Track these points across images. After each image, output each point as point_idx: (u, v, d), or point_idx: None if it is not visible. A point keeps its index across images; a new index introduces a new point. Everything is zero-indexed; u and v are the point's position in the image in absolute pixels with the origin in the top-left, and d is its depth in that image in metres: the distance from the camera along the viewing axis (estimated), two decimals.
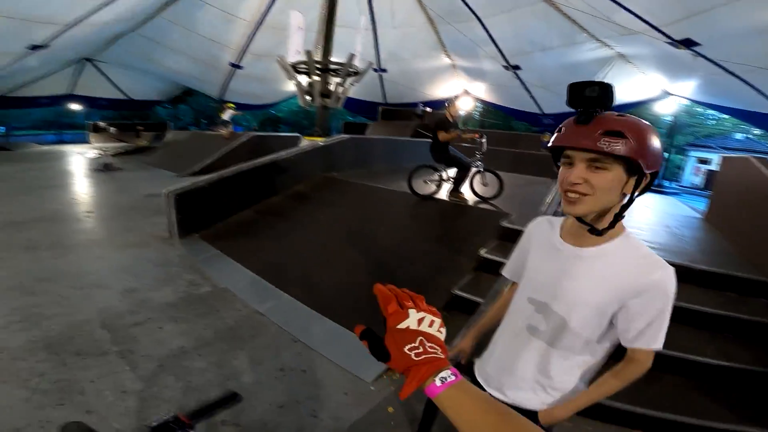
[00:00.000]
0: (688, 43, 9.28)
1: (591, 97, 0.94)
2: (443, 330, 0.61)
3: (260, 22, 15.79)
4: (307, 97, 8.96)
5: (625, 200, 1.02)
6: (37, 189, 8.48)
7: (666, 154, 17.73)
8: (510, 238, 4.04)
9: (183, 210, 5.30)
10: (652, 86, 14.00)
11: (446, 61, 17.21)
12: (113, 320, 3.19)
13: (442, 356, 0.58)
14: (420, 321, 0.59)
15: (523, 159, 15.40)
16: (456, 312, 3.25)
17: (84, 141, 19.41)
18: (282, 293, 3.69)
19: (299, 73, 8.70)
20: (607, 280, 1.02)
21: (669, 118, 18.89)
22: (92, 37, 14.04)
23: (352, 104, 21.78)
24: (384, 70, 18.26)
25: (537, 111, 18.14)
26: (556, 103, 16.97)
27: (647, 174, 0.97)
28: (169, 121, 22.71)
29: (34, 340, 2.86)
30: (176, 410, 0.84)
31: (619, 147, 0.91)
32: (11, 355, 2.66)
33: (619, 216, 1.02)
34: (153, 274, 4.20)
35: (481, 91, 18.65)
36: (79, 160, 13.56)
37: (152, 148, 16.30)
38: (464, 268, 3.69)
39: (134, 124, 20.13)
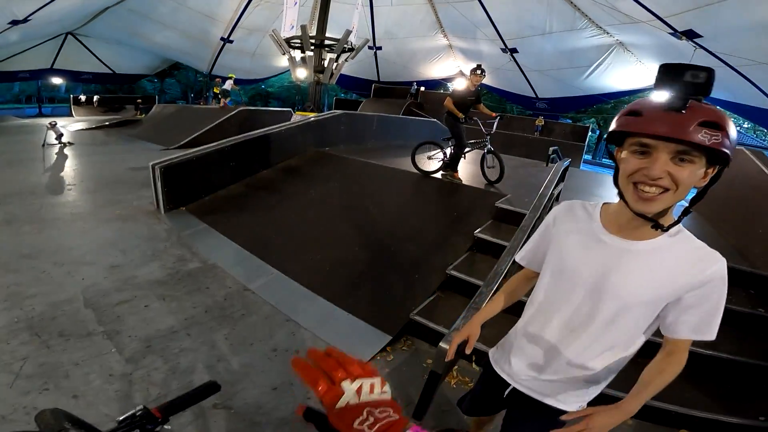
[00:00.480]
0: (690, 35, 9.20)
1: (693, 83, 0.82)
2: (386, 388, 0.54)
3: None
4: (300, 73, 8.68)
5: (695, 193, 0.95)
6: (15, 163, 8.12)
7: None
8: (505, 219, 3.99)
9: (170, 183, 5.13)
10: (648, 76, 13.98)
11: (443, 41, 16.87)
12: (98, 299, 3.07)
13: (397, 417, 0.51)
14: (359, 391, 0.51)
15: (515, 141, 15.42)
16: (450, 292, 3.21)
17: (67, 114, 18.77)
18: (273, 270, 3.60)
19: (293, 48, 8.40)
20: (664, 275, 0.95)
21: None
22: (76, 11, 13.38)
23: (346, 81, 21.41)
24: (379, 48, 17.87)
25: (531, 95, 18.03)
26: (550, 87, 16.88)
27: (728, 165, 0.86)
28: (154, 95, 22.05)
29: (16, 321, 2.73)
30: (149, 402, 0.74)
31: (719, 140, 0.80)
32: None
33: (688, 210, 0.96)
34: (139, 249, 4.05)
35: None
36: (62, 133, 13.05)
37: (137, 121, 15.83)
38: (459, 248, 3.64)
39: (120, 97, 19.48)
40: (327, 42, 8.22)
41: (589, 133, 18.00)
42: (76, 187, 6.36)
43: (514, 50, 15.09)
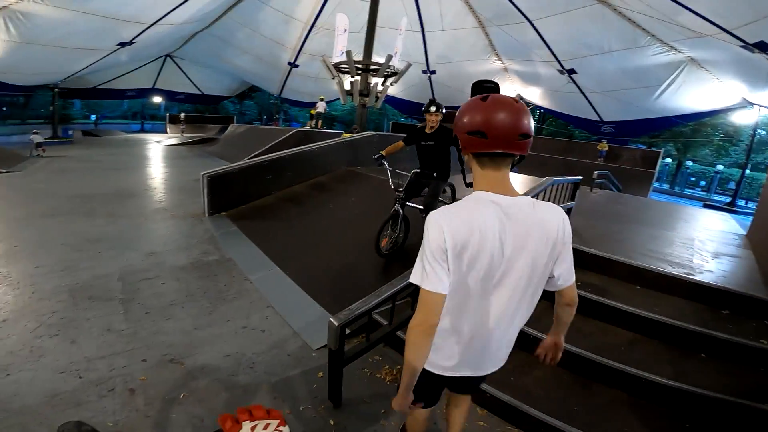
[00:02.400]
0: (762, 47, 8.33)
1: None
2: (283, 428, 0.71)
3: (313, 24, 16.71)
4: (346, 97, 9.41)
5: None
6: (110, 170, 9.84)
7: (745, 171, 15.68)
8: None
9: (214, 191, 5.92)
10: (729, 94, 12.62)
11: (498, 64, 16.83)
12: (128, 275, 3.77)
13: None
14: (253, 428, 0.69)
15: (574, 167, 14.70)
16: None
17: (162, 131, 21.78)
18: (274, 266, 4.07)
19: (342, 72, 9.16)
20: None
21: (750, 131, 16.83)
22: (171, 35, 15.80)
23: (402, 105, 22.10)
24: (433, 72, 18.33)
25: (595, 118, 17.12)
26: (616, 109, 15.90)
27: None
28: (234, 115, 24.69)
29: (63, 285, 3.50)
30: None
31: None
32: (39, 295, 3.31)
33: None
34: (177, 242, 4.80)
35: (536, 96, 17.99)
36: (154, 147, 15.34)
37: (215, 139, 17.90)
38: None
39: (203, 117, 22.19)
40: (372, 66, 8.83)
41: (661, 159, 16.54)
42: (148, 191, 7.57)
43: (572, 71, 14.59)
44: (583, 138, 21.02)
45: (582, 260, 3.52)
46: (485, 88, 1.26)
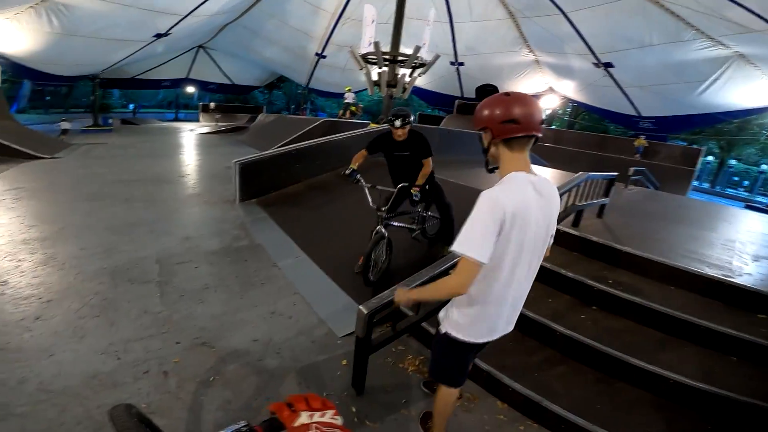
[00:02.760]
0: None
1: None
2: (338, 417, 0.72)
3: (341, 14, 16.69)
4: (374, 87, 9.39)
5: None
6: (147, 156, 10.27)
7: None
8: None
9: (245, 178, 6.09)
10: None
11: (529, 56, 16.34)
12: (165, 258, 3.96)
13: (342, 431, 0.70)
14: (311, 416, 0.71)
15: (608, 163, 14.18)
16: None
17: (195, 119, 22.45)
18: (302, 253, 4.16)
19: (370, 63, 9.13)
20: None
21: None
22: (203, 26, 16.21)
23: (429, 96, 21.86)
24: (461, 64, 17.99)
25: (632, 113, 16.41)
26: (656, 104, 15.19)
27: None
28: (263, 105, 25.13)
29: (105, 267, 3.71)
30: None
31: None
32: (83, 276, 3.51)
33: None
34: (209, 228, 4.99)
35: (570, 89, 17.41)
36: (187, 135, 15.85)
37: (245, 128, 18.30)
38: None
39: (233, 106, 22.71)
40: (399, 57, 8.76)
41: (702, 157, 15.70)
42: (183, 178, 7.86)
43: (608, 65, 14.00)
44: (618, 133, 20.23)
45: (615, 258, 3.44)
46: (488, 91, 1.45)
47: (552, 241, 1.57)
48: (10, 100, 14.32)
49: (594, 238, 3.62)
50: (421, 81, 19.63)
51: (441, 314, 1.70)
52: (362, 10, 9.79)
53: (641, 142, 15.64)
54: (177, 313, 3.06)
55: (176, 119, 23.49)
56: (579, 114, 23.03)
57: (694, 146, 17.03)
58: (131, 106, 23.08)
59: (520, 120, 1.31)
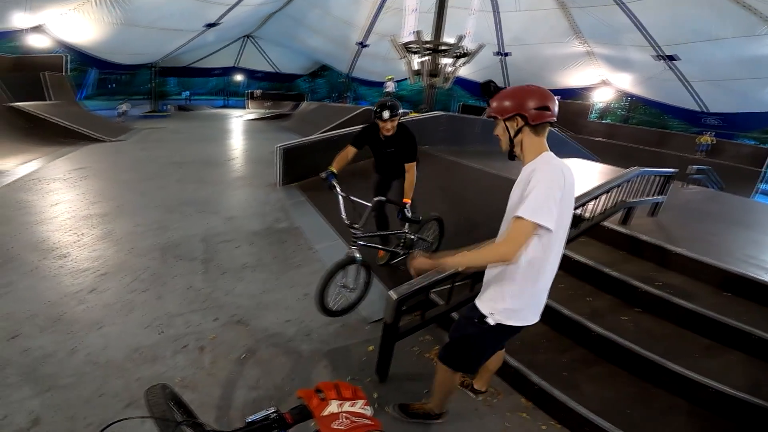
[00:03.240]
0: None
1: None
2: (368, 408, 0.74)
3: (382, 3, 16.58)
4: (415, 76, 9.32)
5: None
6: (198, 141, 10.85)
7: None
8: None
9: (287, 163, 6.30)
10: None
11: (581, 47, 15.49)
12: (210, 237, 4.20)
13: (371, 422, 0.69)
14: (340, 405, 0.72)
15: (666, 160, 13.20)
16: None
17: (243, 106, 23.32)
18: (338, 239, 4.26)
19: (411, 52, 9.07)
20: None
21: None
22: (251, 16, 16.79)
23: (473, 87, 21.32)
24: (507, 54, 17.37)
25: (696, 109, 15.18)
26: (725, 100, 13.97)
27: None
28: (307, 93, 25.63)
29: (156, 243, 3.99)
30: (278, 406, 0.83)
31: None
32: (136, 252, 3.79)
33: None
34: (252, 209, 5.23)
35: (626, 82, 16.39)
36: (235, 121, 16.54)
37: (289, 115, 18.79)
38: None
39: (277, 93, 23.39)
40: (442, 47, 8.62)
41: None
42: (230, 161, 8.26)
43: (672, 57, 12.98)
44: (680, 129, 18.78)
45: (665, 259, 3.25)
46: (494, 87, 1.60)
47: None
48: (78, 88, 15.51)
49: (644, 237, 3.42)
50: (464, 71, 19.13)
51: (485, 308, 1.62)
52: None
53: (706, 139, 14.39)
54: (218, 290, 3.24)
55: (225, 106, 24.48)
56: (636, 108, 21.58)
57: (766, 146, 15.46)
58: (185, 93, 24.27)
59: (550, 107, 1.46)
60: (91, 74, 19.18)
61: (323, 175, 3.02)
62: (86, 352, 2.44)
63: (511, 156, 1.58)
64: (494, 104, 1.55)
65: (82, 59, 15.65)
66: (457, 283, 2.44)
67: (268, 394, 2.24)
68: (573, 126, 15.99)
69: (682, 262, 3.16)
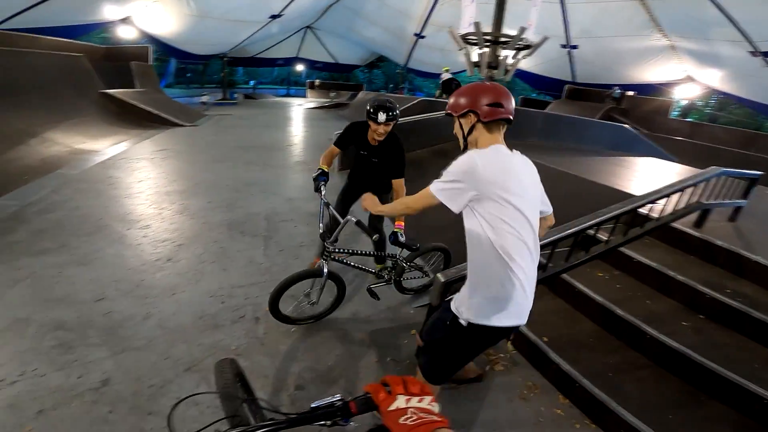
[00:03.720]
0: None
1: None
2: (435, 404, 0.70)
3: None
4: (474, 68, 9.14)
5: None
6: (263, 127, 11.55)
7: None
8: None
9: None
10: None
11: (662, 41, 14.21)
12: (272, 216, 4.56)
13: (438, 419, 0.65)
14: (408, 400, 0.69)
15: (757, 163, 11.84)
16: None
17: (303, 95, 24.22)
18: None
19: (470, 44, 8.89)
20: None
21: None
22: (311, 7, 17.39)
23: (536, 80, 20.41)
24: (574, 47, 16.40)
25: None
26: None
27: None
28: (364, 83, 26.01)
29: (225, 219, 4.40)
30: (346, 395, 0.82)
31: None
32: (208, 226, 4.20)
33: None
34: (310, 192, 5.35)
35: (716, 79, 14.85)
36: (296, 110, 17.28)
37: (347, 105, 19.25)
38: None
39: (335, 83, 24.00)
40: (502, 39, 8.35)
41: None
42: (290, 147, 8.79)
43: None
44: None
45: (740, 266, 3.04)
46: (455, 84, 1.86)
47: (551, 210, 1.67)
48: (160, 77, 16.96)
49: (718, 242, 3.20)
50: (527, 64, 18.31)
51: (455, 305, 1.56)
52: None
53: None
54: (276, 265, 3.52)
55: (287, 95, 25.58)
56: (725, 106, 19.44)
57: None
58: (251, 82, 25.65)
59: (503, 105, 1.48)
60: (171, 64, 20.88)
61: (314, 175, 2.73)
62: (159, 317, 2.70)
63: (464, 149, 1.57)
64: (451, 101, 1.59)
65: (163, 49, 17.09)
66: None
67: (311, 366, 2.41)
68: (650, 124, 14.79)
69: (759, 270, 2.94)
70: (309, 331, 2.72)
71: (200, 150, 7.79)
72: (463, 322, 1.49)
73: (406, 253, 2.83)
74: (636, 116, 15.31)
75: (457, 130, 1.61)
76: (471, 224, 1.46)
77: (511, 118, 1.52)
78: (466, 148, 1.57)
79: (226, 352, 2.45)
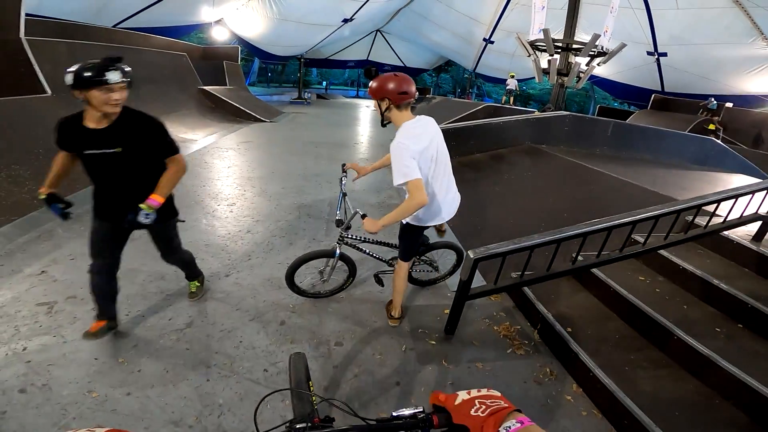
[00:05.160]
0: None
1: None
2: (494, 391, 0.70)
3: (508, 0, 16.07)
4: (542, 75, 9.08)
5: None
6: (333, 125, 12.46)
7: None
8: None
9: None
10: None
11: (766, 50, 12.80)
12: (334, 203, 5.14)
13: (506, 405, 0.65)
14: (469, 392, 0.70)
15: None
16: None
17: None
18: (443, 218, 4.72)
19: (539, 50, 8.86)
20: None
21: None
22: (380, 11, 18.21)
23: (619, 89, 19.26)
24: (663, 54, 15.25)
25: None
26: None
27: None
28: (431, 87, 26.31)
29: (295, 203, 5.04)
30: (429, 409, 0.78)
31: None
32: (281, 208, 4.85)
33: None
34: (371, 185, 6.09)
35: None
36: (364, 110, 18.14)
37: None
38: None
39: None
40: (574, 45, 8.21)
41: None
42: (357, 144, 9.52)
43: None
44: None
45: None
46: (376, 71, 2.20)
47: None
48: (245, 75, 18.76)
49: None
50: (608, 71, 17.46)
51: (405, 219, 2.47)
52: None
53: None
54: (333, 243, 3.98)
55: (357, 96, 26.70)
56: None
57: None
58: (324, 83, 27.18)
59: (408, 92, 2.09)
60: (254, 63, 22.89)
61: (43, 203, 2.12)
62: (236, 276, 3.24)
63: (383, 124, 2.22)
64: (372, 86, 2.11)
65: (249, 50, 18.87)
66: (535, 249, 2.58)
67: (352, 328, 2.78)
68: (750, 138, 13.35)
69: None
70: (354, 297, 3.15)
71: (277, 143, 8.72)
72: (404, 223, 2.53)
73: None
74: (733, 130, 13.88)
75: (375, 108, 2.22)
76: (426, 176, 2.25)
77: (414, 99, 2.15)
78: (383, 122, 2.22)
79: (284, 308, 2.93)
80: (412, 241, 2.62)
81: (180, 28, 14.90)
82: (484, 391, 0.70)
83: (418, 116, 2.22)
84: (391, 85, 2.07)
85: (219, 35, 16.42)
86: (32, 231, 3.74)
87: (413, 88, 2.11)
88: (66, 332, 2.49)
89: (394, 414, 0.77)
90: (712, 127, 13.20)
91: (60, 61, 6.72)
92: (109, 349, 2.40)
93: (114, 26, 12.06)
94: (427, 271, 3.28)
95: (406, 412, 0.77)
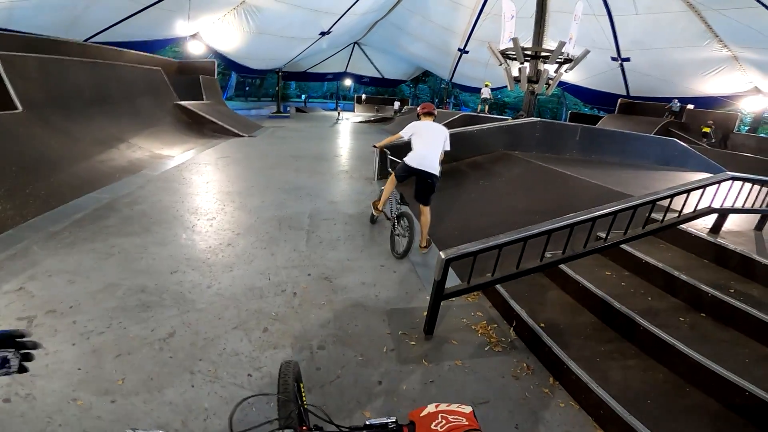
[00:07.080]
0: None
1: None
2: (465, 407, 0.73)
3: (481, 10, 16.71)
4: (513, 83, 9.42)
5: None
6: (312, 138, 12.54)
7: None
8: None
9: (383, 160, 7.08)
10: None
11: (722, 51, 13.58)
12: (315, 215, 5.18)
13: (467, 423, 0.67)
14: (437, 406, 0.73)
15: None
16: None
17: (351, 109, 25.38)
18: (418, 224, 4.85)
19: (509, 59, 9.19)
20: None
21: None
22: (357, 24, 18.56)
23: (586, 94, 20.02)
24: (626, 59, 16.00)
25: None
26: None
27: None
28: (409, 98, 26.76)
29: (275, 216, 5.07)
30: (397, 417, 0.83)
31: None
32: (261, 220, 4.88)
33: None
34: (350, 197, 6.17)
35: None
36: (343, 123, 18.31)
37: (391, 119, 20.02)
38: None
39: (380, 98, 24.91)
40: (542, 53, 8.57)
41: None
42: (336, 157, 9.58)
43: None
44: None
45: (750, 270, 3.13)
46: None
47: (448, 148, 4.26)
48: (222, 90, 18.69)
49: (730, 246, 3.28)
50: (577, 77, 18.12)
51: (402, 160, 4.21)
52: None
53: None
54: (314, 254, 4.08)
55: (336, 109, 26.92)
56: None
57: None
58: (303, 96, 27.31)
59: (424, 111, 4.40)
60: (231, 78, 22.81)
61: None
62: (218, 287, 3.27)
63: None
64: (421, 110, 4.43)
65: (226, 64, 18.82)
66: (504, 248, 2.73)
67: (333, 332, 2.86)
68: (713, 138, 14.09)
69: None
70: (336, 305, 3.21)
71: (256, 158, 8.73)
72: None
73: (399, 212, 4.32)
74: (694, 130, 14.61)
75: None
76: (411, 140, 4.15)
77: (431, 112, 4.36)
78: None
79: (266, 316, 2.97)
80: (403, 171, 4.15)
81: (155, 42, 14.80)
82: (454, 406, 0.73)
83: (427, 121, 4.28)
84: (419, 109, 4.41)
85: (195, 49, 16.31)
86: (9, 249, 3.67)
87: (427, 108, 4.38)
88: (47, 344, 2.46)
89: (367, 423, 0.82)
90: (706, 129, 13.95)
91: (31, 77, 6.62)
92: (92, 359, 2.39)
93: (87, 40, 11.90)
94: (405, 227, 4.13)
95: (378, 421, 0.81)
